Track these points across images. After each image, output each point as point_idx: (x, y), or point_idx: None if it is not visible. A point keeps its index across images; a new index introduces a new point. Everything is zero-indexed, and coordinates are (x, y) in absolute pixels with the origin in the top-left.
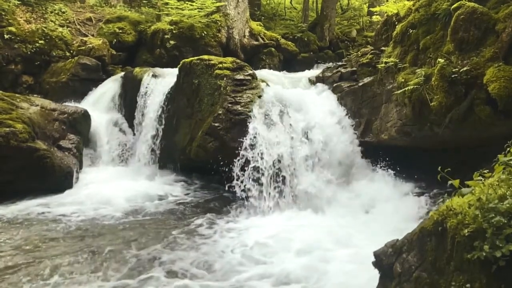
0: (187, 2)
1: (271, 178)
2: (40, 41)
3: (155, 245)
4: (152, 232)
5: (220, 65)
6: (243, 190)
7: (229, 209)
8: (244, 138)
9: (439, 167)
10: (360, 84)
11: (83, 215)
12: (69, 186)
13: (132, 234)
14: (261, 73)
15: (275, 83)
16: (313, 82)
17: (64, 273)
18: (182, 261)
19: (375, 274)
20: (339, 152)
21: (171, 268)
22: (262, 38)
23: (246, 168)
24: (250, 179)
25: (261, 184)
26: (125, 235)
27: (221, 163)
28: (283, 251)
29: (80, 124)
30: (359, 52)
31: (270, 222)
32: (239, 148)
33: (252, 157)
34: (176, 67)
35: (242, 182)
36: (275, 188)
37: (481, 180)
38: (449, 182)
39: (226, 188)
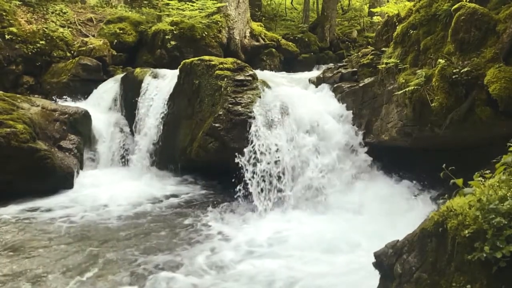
0: (188, 2)
1: (269, 181)
2: (41, 42)
3: (134, 248)
4: (140, 235)
5: (221, 66)
6: (243, 193)
7: (225, 211)
8: (244, 140)
9: (443, 165)
10: (361, 84)
11: (79, 217)
12: (70, 186)
13: (121, 236)
14: (261, 74)
15: (275, 84)
16: (313, 82)
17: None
18: (151, 263)
19: (374, 276)
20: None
21: (136, 270)
22: (263, 39)
23: (245, 170)
24: (249, 181)
25: (260, 185)
26: (114, 238)
27: (222, 164)
28: (266, 256)
29: (80, 124)
30: (359, 53)
31: (264, 225)
32: (240, 150)
33: (252, 159)
34: (176, 67)
35: (240, 183)
36: (272, 189)
37: (481, 180)
38: (451, 182)
39: (226, 189)
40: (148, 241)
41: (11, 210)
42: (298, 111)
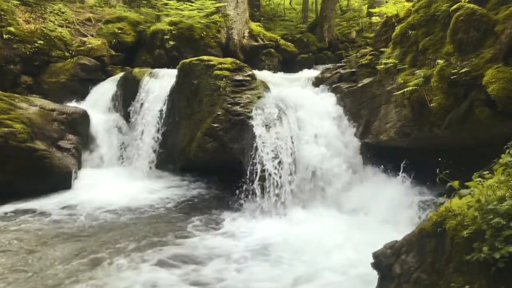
0: (186, 2)
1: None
2: (39, 41)
3: (115, 250)
4: (130, 237)
5: (220, 66)
6: (242, 193)
7: (221, 213)
8: (243, 140)
9: (437, 170)
10: (360, 85)
11: (73, 219)
12: (68, 186)
13: (110, 238)
14: (259, 74)
15: (273, 84)
16: (313, 83)
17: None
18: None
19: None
20: None
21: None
22: (262, 39)
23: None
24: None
25: (259, 186)
26: (103, 240)
27: (221, 164)
28: (246, 263)
29: (79, 124)
30: (358, 53)
31: (259, 228)
32: (239, 150)
33: (252, 159)
34: (175, 67)
35: (238, 184)
36: (271, 190)
37: (480, 181)
38: (448, 185)
39: (225, 190)
40: (136, 241)
41: (10, 210)
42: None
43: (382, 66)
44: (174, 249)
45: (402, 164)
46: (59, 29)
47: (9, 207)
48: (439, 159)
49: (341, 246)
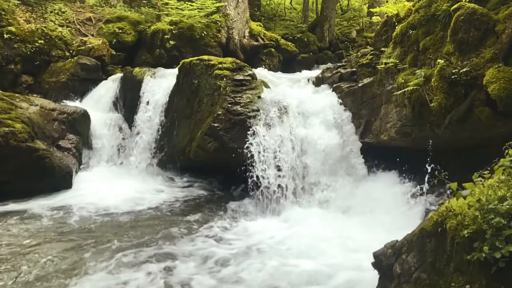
0: (187, 2)
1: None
2: (39, 41)
3: (91, 252)
4: (123, 239)
5: (220, 66)
6: (240, 193)
7: (218, 214)
8: (243, 139)
9: (436, 172)
10: (360, 84)
11: (68, 219)
12: (68, 186)
13: (102, 240)
14: (260, 74)
15: (274, 84)
16: (313, 83)
17: None
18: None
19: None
20: None
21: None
22: (262, 39)
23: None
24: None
25: (258, 186)
26: (90, 240)
27: (221, 164)
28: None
29: (79, 124)
30: (359, 53)
31: (252, 229)
32: (239, 150)
33: (251, 158)
34: (175, 67)
35: (237, 184)
36: (269, 190)
37: (480, 181)
38: (448, 186)
39: (224, 190)
40: (124, 242)
41: (9, 209)
42: None
43: (383, 65)
44: (158, 250)
45: (427, 165)
46: (60, 29)
47: (3, 208)
48: (440, 159)
49: (336, 248)
